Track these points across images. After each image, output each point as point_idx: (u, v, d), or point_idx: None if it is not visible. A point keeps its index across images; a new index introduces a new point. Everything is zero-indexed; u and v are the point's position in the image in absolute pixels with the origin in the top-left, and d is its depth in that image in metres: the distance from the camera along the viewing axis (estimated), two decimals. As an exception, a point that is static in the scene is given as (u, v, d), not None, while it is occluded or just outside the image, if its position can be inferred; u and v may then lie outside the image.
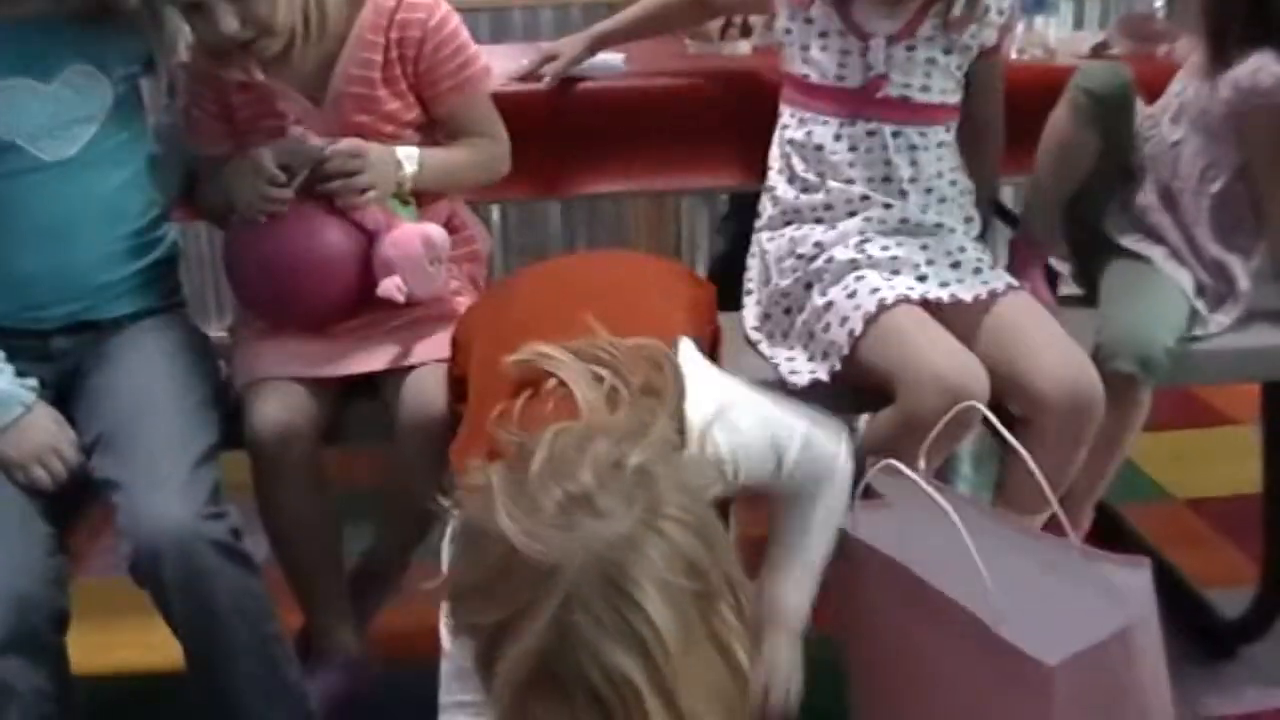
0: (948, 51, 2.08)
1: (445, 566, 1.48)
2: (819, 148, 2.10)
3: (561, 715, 1.17)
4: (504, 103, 2.10)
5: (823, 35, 2.09)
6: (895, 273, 2.02)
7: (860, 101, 2.08)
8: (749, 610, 1.29)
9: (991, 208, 2.31)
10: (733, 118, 2.36)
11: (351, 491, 2.03)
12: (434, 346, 1.91)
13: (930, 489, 1.52)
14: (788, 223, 2.14)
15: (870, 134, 2.08)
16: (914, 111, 2.08)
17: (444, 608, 1.48)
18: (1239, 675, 2.33)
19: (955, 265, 2.06)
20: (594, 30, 2.37)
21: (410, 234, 1.91)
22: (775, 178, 2.17)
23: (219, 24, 1.80)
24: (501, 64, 2.40)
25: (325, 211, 1.91)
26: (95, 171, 1.89)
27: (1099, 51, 2.51)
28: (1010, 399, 1.91)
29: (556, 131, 2.31)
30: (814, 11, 2.09)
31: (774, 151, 2.18)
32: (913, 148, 2.08)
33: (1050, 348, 1.93)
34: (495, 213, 3.83)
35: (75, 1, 1.86)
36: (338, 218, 1.91)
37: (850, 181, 2.09)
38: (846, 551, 1.68)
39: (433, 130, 2.04)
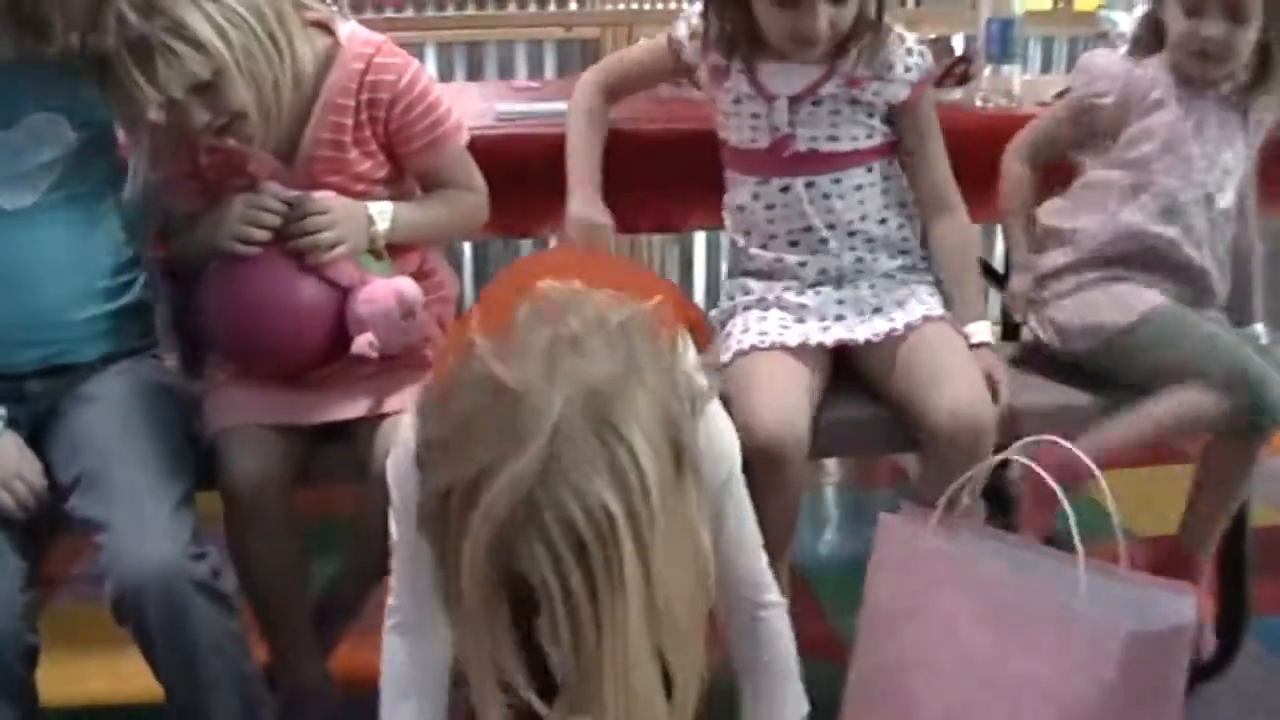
0: (854, 103, 2.12)
1: (391, 478, 1.54)
2: (740, 208, 2.20)
3: (541, 554, 1.19)
4: (480, 144, 2.12)
5: (737, 101, 2.15)
6: (800, 321, 2.11)
7: (771, 161, 2.15)
8: (705, 506, 1.34)
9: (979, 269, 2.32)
10: (705, 159, 2.39)
11: (326, 522, 2.04)
12: (407, 396, 1.92)
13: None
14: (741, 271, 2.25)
15: (784, 189, 2.15)
16: (824, 161, 2.14)
17: (395, 509, 1.52)
18: (1196, 713, 2.35)
19: (875, 309, 2.13)
20: (579, 180, 2.25)
21: (383, 290, 1.93)
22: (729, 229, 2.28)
23: (191, 118, 1.82)
24: (479, 102, 2.43)
25: (300, 266, 1.93)
26: (56, 219, 1.88)
27: (1061, 98, 2.55)
28: (913, 429, 2.00)
29: (530, 173, 2.32)
30: (730, 80, 2.14)
31: None
32: (826, 196, 2.14)
33: (948, 380, 1.99)
34: (468, 249, 3.86)
35: (39, 48, 1.84)
36: (312, 272, 1.93)
37: (773, 237, 2.17)
38: (892, 560, 1.80)
39: (402, 183, 2.07)
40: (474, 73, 3.97)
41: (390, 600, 1.64)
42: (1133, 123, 2.16)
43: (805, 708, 1.74)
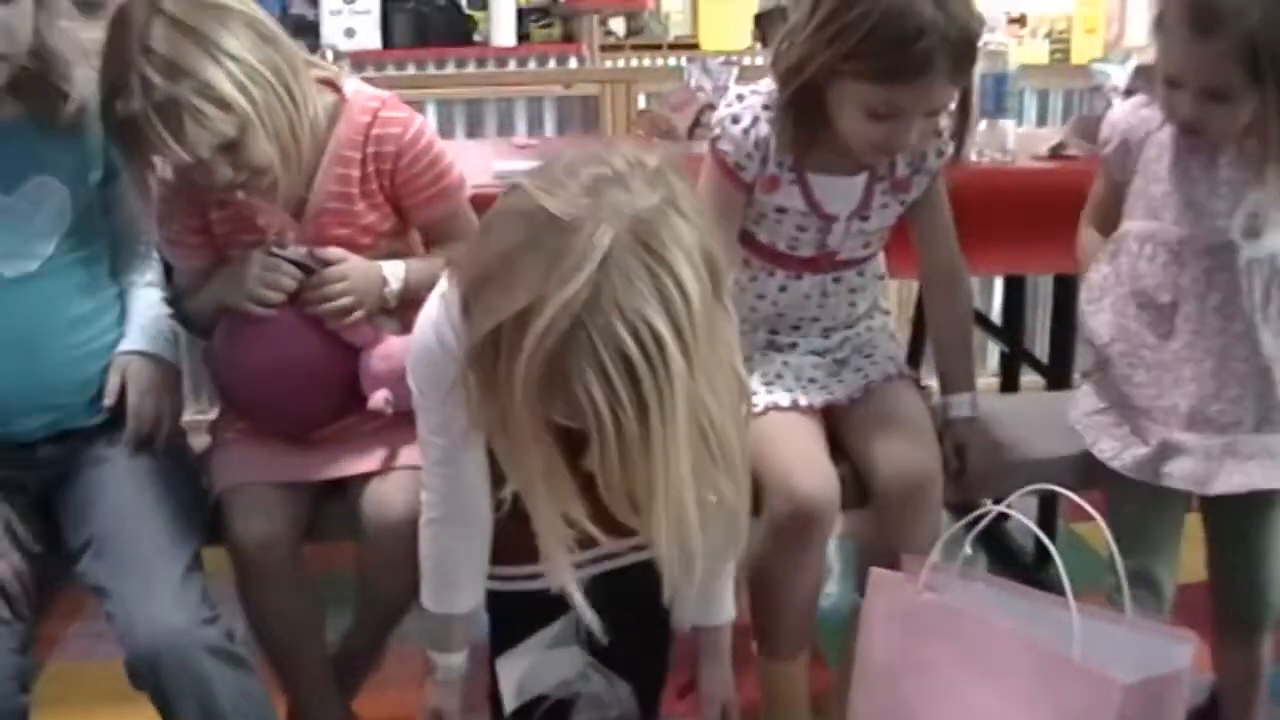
0: (899, 204, 2.07)
1: (411, 365, 1.63)
2: (761, 296, 2.12)
3: (592, 378, 1.23)
4: (478, 202, 2.10)
5: (780, 210, 2.04)
6: (779, 376, 2.09)
7: (809, 266, 2.09)
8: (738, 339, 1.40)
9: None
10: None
11: (330, 576, 2.05)
12: (409, 452, 1.92)
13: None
14: None
15: (813, 285, 2.11)
16: (856, 263, 2.12)
17: (418, 399, 1.59)
18: (1199, 763, 2.35)
19: (841, 362, 2.13)
20: None
21: (398, 347, 1.94)
22: None
23: (214, 176, 1.83)
24: (478, 160, 2.45)
25: (313, 325, 1.95)
26: (57, 283, 1.87)
27: (1056, 152, 2.58)
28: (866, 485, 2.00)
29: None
30: (780, 191, 2.02)
31: None
32: (852, 290, 2.13)
33: (898, 436, 2.00)
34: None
35: (42, 111, 1.84)
36: (324, 330, 1.95)
37: (780, 316, 2.13)
38: (884, 614, 1.78)
39: (406, 235, 2.08)
40: (474, 130, 3.99)
41: (424, 496, 1.70)
42: (1137, 169, 2.01)
43: (732, 613, 1.81)
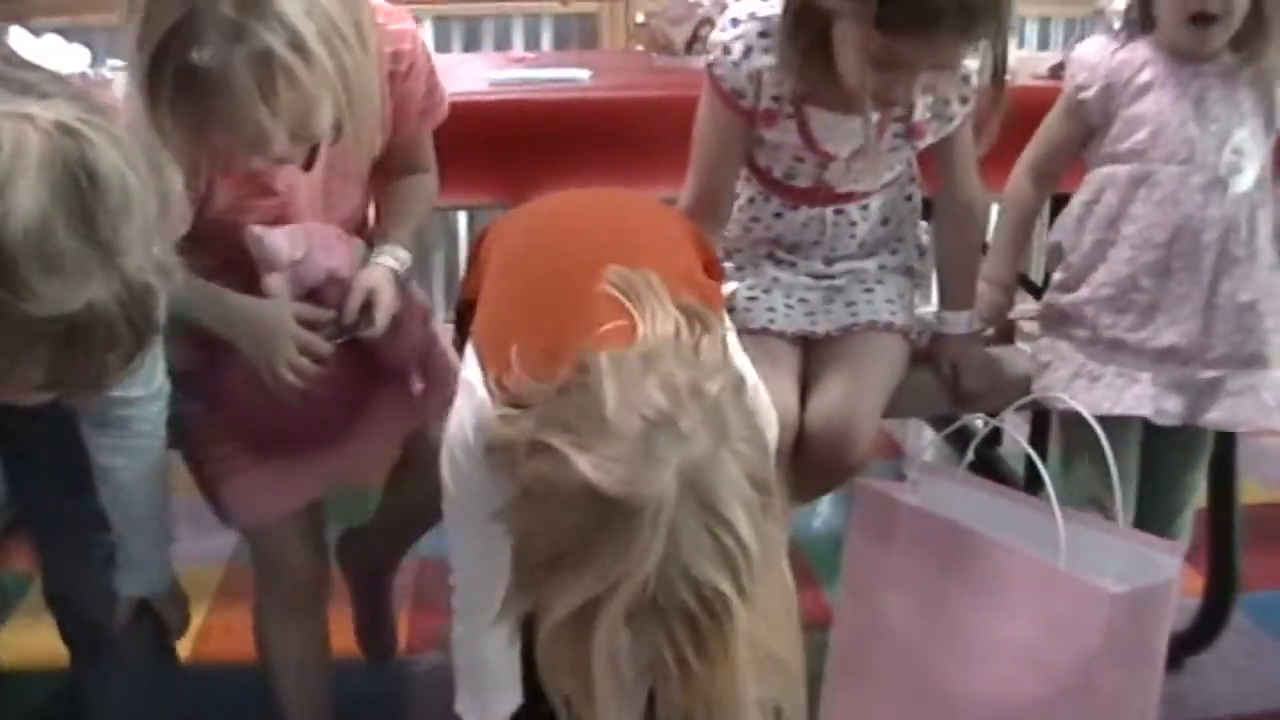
0: (911, 149, 2.02)
1: (449, 473, 1.53)
2: (755, 219, 2.10)
3: (660, 639, 1.21)
4: (476, 110, 2.13)
5: (779, 144, 1.99)
6: (766, 291, 2.06)
7: (806, 197, 2.05)
8: (784, 522, 1.35)
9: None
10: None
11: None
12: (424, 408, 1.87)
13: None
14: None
15: (811, 215, 2.07)
16: (859, 197, 2.06)
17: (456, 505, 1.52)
18: (1183, 686, 2.37)
19: (839, 293, 2.09)
20: None
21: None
22: None
23: (268, 148, 1.58)
24: (474, 70, 2.43)
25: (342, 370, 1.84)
26: None
27: (1056, 73, 2.54)
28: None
29: (524, 140, 2.33)
30: (778, 125, 1.96)
31: None
32: (852, 223, 2.08)
33: (839, 395, 1.93)
34: (462, 219, 3.86)
35: None
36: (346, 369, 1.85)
37: (775, 241, 2.10)
38: (869, 526, 1.77)
39: None
40: (471, 47, 3.96)
41: (458, 603, 1.63)
42: (1121, 112, 2.03)
43: None
